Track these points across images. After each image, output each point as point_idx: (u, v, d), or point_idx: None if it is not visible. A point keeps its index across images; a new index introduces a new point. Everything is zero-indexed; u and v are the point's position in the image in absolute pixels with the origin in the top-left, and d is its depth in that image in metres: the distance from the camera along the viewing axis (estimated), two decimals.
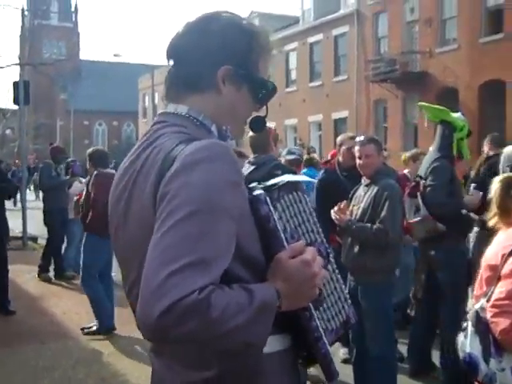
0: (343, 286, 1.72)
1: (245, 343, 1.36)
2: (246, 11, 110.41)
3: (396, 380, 4.61)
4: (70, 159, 10.83)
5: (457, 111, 5.48)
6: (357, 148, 4.66)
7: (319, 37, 32.03)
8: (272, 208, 1.48)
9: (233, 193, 1.37)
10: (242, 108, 1.61)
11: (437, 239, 4.97)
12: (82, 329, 6.65)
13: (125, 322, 7.23)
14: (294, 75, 34.73)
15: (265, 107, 1.65)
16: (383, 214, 4.27)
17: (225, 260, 1.33)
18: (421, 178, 5.09)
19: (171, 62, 1.63)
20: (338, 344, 6.11)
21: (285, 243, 1.48)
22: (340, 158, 5.38)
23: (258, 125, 1.66)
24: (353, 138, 5.44)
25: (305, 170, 7.25)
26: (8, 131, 51.02)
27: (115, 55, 44.87)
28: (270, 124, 5.00)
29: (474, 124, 19.08)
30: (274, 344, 1.48)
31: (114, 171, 8.00)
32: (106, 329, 6.54)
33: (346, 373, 5.64)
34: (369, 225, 4.32)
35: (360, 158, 4.66)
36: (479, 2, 22.76)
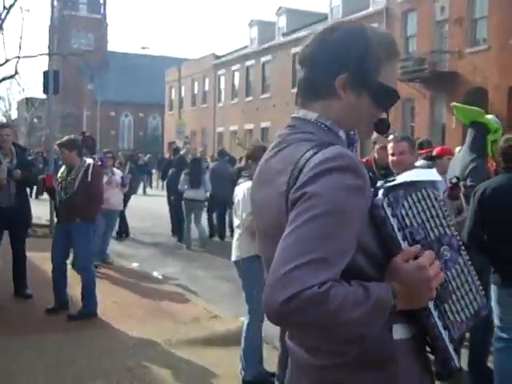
0: (475, 278, 1.78)
1: (359, 335, 1.52)
2: (274, 7, 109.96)
3: None
4: (104, 150, 11.03)
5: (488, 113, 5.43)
6: (390, 145, 4.64)
7: None
8: (390, 212, 1.60)
9: (358, 198, 1.51)
10: (365, 113, 1.69)
11: None
12: (69, 316, 6.82)
13: (151, 312, 7.31)
14: None
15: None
16: None
17: (346, 259, 1.48)
18: (458, 179, 5.03)
19: (301, 70, 1.74)
20: None
21: (402, 246, 1.59)
22: (376, 156, 5.34)
23: (383, 126, 1.74)
24: (386, 136, 5.40)
25: None
26: (35, 120, 51.51)
27: (143, 48, 44.99)
28: None
29: (503, 125, 18.84)
30: (404, 331, 1.62)
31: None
32: (92, 314, 6.87)
33: None
34: None
35: (393, 155, 4.64)
36: (511, 3, 22.48)
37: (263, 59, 39.81)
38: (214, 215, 14.50)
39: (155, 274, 9.85)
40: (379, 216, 1.58)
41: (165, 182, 15.92)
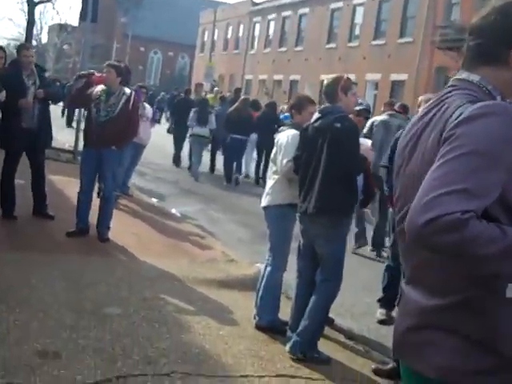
0: None
1: (492, 273, 1.60)
2: None
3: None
4: (139, 84, 10.94)
5: None
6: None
7: None
8: None
9: (508, 146, 1.59)
10: None
11: None
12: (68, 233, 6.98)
13: (169, 248, 7.35)
14: (357, 30, 33.96)
15: None
16: None
17: (486, 200, 1.57)
18: None
19: (470, 37, 1.87)
20: (376, 304, 6.11)
21: None
22: None
23: None
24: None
25: None
26: (66, 46, 51.22)
27: None
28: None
29: None
30: (510, 289, 1.66)
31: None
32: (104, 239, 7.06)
33: (382, 333, 5.67)
34: None
35: None
36: None
37: (300, 11, 39.12)
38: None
39: (174, 211, 9.86)
40: None
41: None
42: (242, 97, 16.27)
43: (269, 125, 13.25)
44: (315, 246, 4.73)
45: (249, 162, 15.68)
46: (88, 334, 4.41)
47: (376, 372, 4.62)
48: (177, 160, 15.80)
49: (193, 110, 14.25)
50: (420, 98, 5.48)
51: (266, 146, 13.76)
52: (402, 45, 29.77)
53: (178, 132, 15.85)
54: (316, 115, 4.77)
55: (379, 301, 6.09)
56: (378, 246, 8.56)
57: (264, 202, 5.23)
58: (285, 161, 4.98)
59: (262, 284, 5.18)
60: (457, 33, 25.48)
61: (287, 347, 4.70)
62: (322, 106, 4.81)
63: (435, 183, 1.58)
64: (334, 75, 4.92)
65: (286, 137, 5.09)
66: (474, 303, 1.68)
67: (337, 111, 4.63)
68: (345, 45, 34.29)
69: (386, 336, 5.47)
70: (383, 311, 6.01)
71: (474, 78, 1.82)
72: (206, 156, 14.97)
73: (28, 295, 5.01)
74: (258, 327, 5.09)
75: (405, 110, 9.36)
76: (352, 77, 26.40)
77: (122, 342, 4.32)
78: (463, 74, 1.86)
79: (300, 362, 4.57)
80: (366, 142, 4.83)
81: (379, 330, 5.76)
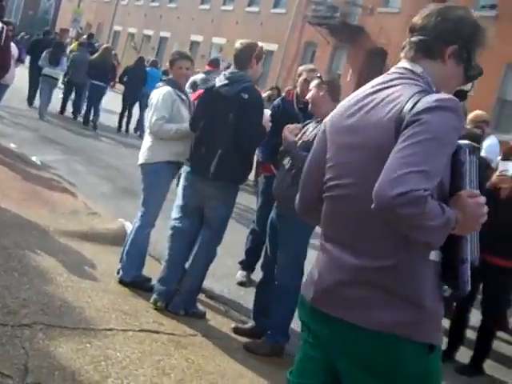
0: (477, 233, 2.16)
1: (428, 241, 1.91)
2: None
3: (294, 310, 4.80)
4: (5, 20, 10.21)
5: None
6: (313, 82, 4.63)
7: None
8: (468, 158, 2.02)
9: (455, 136, 1.95)
10: (456, 80, 2.18)
11: None
12: None
13: (29, 196, 7.06)
14: None
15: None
16: None
17: (438, 179, 1.90)
18: None
19: (413, 34, 2.17)
20: (237, 266, 6.27)
21: (467, 186, 2.01)
22: (298, 89, 5.35)
23: (462, 96, 2.19)
24: (313, 70, 5.42)
25: None
26: None
27: None
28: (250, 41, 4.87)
29: None
30: (435, 255, 2.02)
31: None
32: None
33: (240, 294, 5.85)
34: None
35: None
36: None
37: None
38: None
39: (34, 158, 9.46)
40: (462, 157, 2.01)
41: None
42: (105, 45, 17.47)
43: (135, 79, 15.23)
44: (205, 208, 4.77)
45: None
46: None
47: (236, 331, 4.76)
48: (30, 99, 15.97)
49: (46, 50, 14.60)
50: (301, 68, 5.60)
51: (131, 99, 15.71)
52: (275, 15, 30.11)
53: (32, 72, 15.83)
54: (222, 80, 4.72)
55: (240, 263, 6.24)
56: None
57: (140, 159, 5.16)
58: (154, 119, 4.97)
59: (130, 239, 5.14)
60: (328, 10, 26.20)
61: (152, 299, 4.77)
62: (230, 72, 4.76)
63: (404, 161, 1.84)
64: (247, 40, 4.90)
65: (158, 94, 5.07)
66: (404, 266, 1.97)
67: (244, 80, 4.63)
68: (218, 8, 34.13)
69: (244, 297, 5.65)
70: (244, 273, 6.17)
71: (418, 69, 2.12)
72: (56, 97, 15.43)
73: None
74: (122, 282, 5.07)
75: (216, 65, 10.70)
76: (222, 40, 26.51)
77: None
78: (407, 64, 2.15)
79: (164, 317, 4.63)
80: (266, 113, 4.87)
81: (239, 291, 5.93)
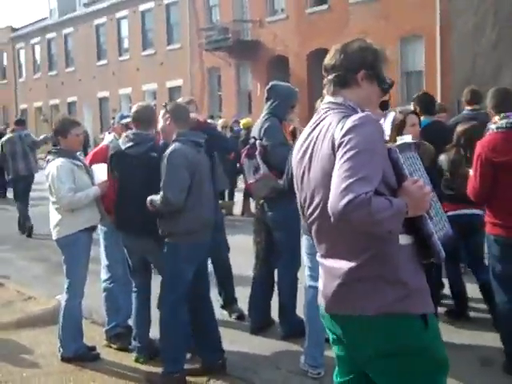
0: (442, 210, 2.72)
1: (388, 231, 2.33)
2: None
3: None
4: None
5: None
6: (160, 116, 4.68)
7: (151, 4, 31.60)
8: (400, 156, 2.45)
9: (381, 144, 2.39)
10: (375, 96, 2.62)
11: (275, 199, 5.13)
12: None
13: None
14: (126, 43, 34.07)
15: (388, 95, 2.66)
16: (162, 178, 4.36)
17: (376, 181, 2.29)
18: (255, 138, 5.24)
19: (328, 73, 2.60)
20: None
21: (408, 176, 2.42)
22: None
23: (385, 106, 2.70)
24: (189, 102, 5.49)
25: None
26: None
27: None
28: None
29: (304, 91, 19.82)
30: (406, 238, 2.44)
31: None
32: None
33: None
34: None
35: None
36: None
37: (65, 31, 38.32)
38: None
39: None
40: (394, 157, 2.42)
41: None
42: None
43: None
44: (150, 260, 4.86)
45: None
46: None
47: None
48: None
49: None
50: (179, 101, 5.63)
51: None
52: (171, 51, 30.34)
53: None
54: (127, 142, 4.71)
55: None
56: None
57: (54, 235, 5.08)
58: (61, 193, 4.90)
59: (61, 313, 5.05)
60: (220, 33, 26.53)
61: (134, 358, 4.95)
62: (132, 133, 4.76)
63: (343, 176, 2.25)
64: (144, 103, 5.10)
65: (55, 168, 4.98)
66: (381, 255, 2.39)
67: (150, 139, 4.68)
68: (116, 59, 34.18)
69: None
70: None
71: (339, 99, 2.54)
72: None
73: None
74: (64, 359, 4.97)
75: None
76: (128, 90, 26.45)
77: None
78: (330, 99, 2.58)
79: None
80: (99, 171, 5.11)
81: None
